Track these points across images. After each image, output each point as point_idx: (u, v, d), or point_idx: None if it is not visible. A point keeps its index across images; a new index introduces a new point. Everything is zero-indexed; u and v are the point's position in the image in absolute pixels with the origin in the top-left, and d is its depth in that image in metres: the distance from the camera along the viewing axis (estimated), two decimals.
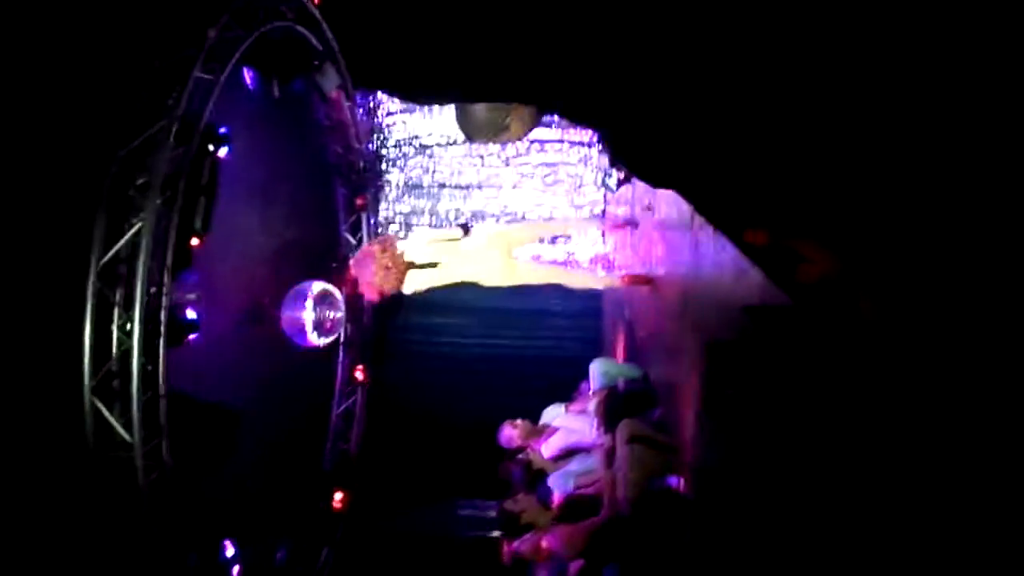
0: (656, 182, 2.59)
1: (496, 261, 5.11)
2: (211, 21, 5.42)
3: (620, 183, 7.46)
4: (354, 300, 8.25)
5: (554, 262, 8.34)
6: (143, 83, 5.03)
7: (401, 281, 4.85)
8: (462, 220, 7.60)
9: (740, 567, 2.61)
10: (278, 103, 6.57)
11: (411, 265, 4.88)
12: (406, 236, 6.63)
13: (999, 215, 1.57)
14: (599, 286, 7.02)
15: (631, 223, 6.18)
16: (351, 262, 5.25)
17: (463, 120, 2.44)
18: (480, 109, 2.46)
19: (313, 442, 8.11)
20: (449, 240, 5.14)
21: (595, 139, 8.02)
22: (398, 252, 4.82)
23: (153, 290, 4.88)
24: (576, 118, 2.38)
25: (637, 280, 5.58)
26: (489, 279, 5.18)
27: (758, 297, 2.46)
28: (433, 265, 4.95)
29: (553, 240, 8.42)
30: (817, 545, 2.00)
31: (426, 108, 8.42)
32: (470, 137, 2.48)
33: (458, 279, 5.13)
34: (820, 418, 1.99)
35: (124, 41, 4.95)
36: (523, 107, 2.42)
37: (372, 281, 4.80)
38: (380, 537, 8.39)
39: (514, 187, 8.44)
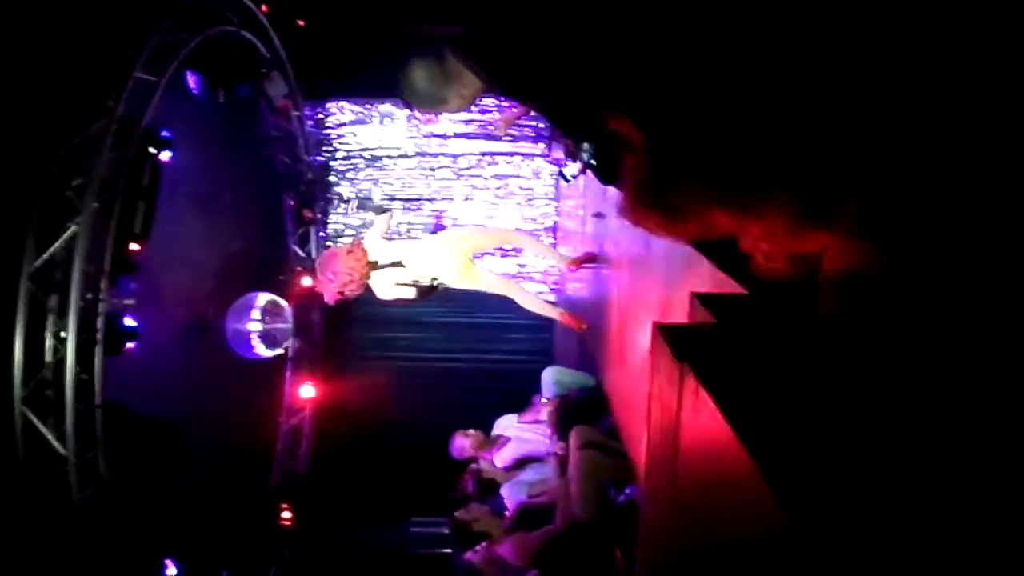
0: (606, 178, 2.55)
1: (456, 264, 5.08)
2: (154, 23, 5.30)
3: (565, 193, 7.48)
4: (303, 313, 8.12)
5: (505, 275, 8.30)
6: (82, 83, 4.88)
7: (363, 286, 4.79)
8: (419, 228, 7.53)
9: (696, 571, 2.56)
10: (225, 111, 6.45)
11: (374, 266, 4.83)
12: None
13: (966, 210, 1.55)
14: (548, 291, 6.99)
15: (592, 259, 6.00)
16: (317, 262, 5.20)
17: (404, 87, 2.39)
18: (421, 79, 2.39)
19: (260, 458, 7.90)
20: (410, 243, 5.24)
21: (545, 150, 8.01)
22: (364, 256, 4.76)
23: (89, 296, 4.70)
24: (520, 98, 2.33)
25: (579, 261, 5.74)
26: (449, 281, 5.16)
27: (709, 287, 2.42)
28: (396, 265, 4.91)
29: (504, 254, 8.36)
30: (771, 541, 1.95)
31: (376, 120, 8.34)
32: (409, 105, 2.43)
33: (418, 279, 5.10)
34: (774, 407, 1.95)
35: (64, 40, 4.81)
36: (463, 81, 2.36)
37: (333, 282, 4.70)
38: (330, 556, 8.20)
39: (465, 199, 8.39)
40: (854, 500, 1.20)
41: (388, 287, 4.90)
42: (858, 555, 1.04)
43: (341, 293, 4.74)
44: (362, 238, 4.87)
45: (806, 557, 1.07)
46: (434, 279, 5.10)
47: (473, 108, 7.45)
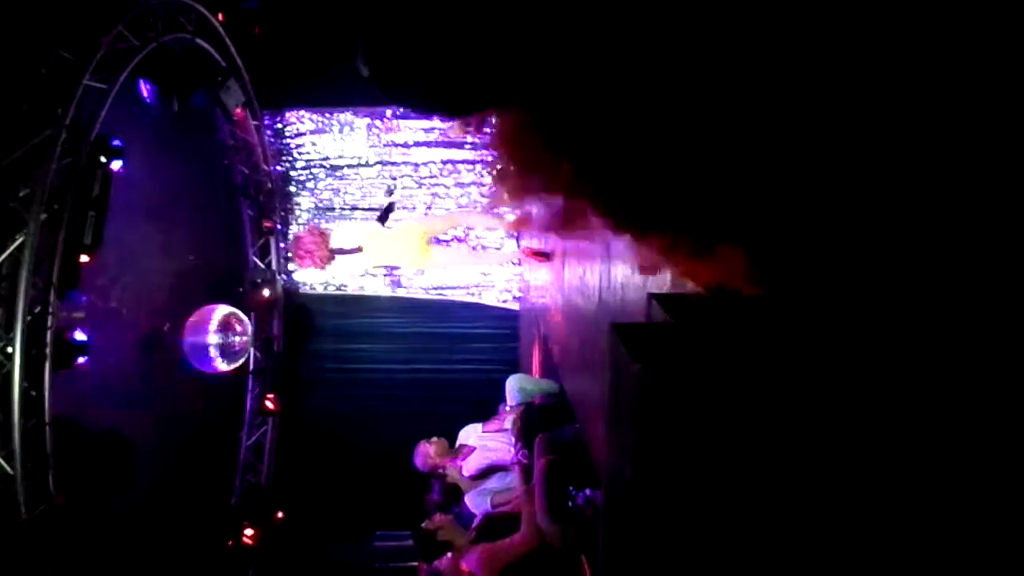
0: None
1: (413, 247, 5.67)
2: (105, 29, 5.19)
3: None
4: (263, 325, 7.99)
5: (467, 287, 8.32)
6: (29, 90, 4.75)
7: (323, 264, 5.62)
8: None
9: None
10: (180, 120, 6.32)
11: (339, 251, 5.56)
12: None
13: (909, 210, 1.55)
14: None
15: (545, 256, 6.19)
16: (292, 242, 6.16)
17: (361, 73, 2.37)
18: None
19: (220, 475, 7.73)
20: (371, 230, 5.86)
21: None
22: (327, 240, 5.57)
23: (37, 309, 4.56)
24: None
25: (537, 254, 5.89)
26: (407, 263, 6.14)
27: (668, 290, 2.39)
28: (358, 250, 5.61)
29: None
30: (736, 545, 1.92)
31: (336, 129, 8.26)
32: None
33: (379, 263, 6.26)
34: (735, 405, 1.92)
35: (10, 46, 4.67)
36: None
37: (311, 254, 5.52)
38: (295, 573, 8.05)
39: (428, 208, 8.32)
40: None
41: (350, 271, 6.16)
42: None
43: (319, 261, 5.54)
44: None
45: None
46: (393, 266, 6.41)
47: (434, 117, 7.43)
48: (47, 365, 4.60)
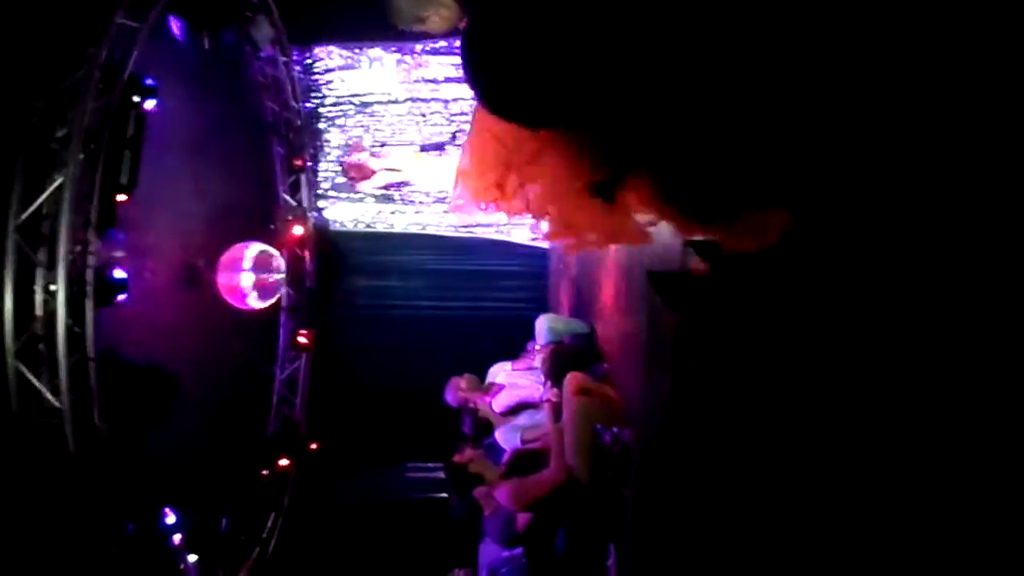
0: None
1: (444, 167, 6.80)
2: None
3: None
4: (296, 262, 8.08)
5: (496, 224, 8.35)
6: (62, 30, 4.75)
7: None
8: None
9: (690, 523, 2.57)
10: (209, 57, 6.30)
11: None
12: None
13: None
14: None
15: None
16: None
17: (388, 6, 2.40)
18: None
19: (256, 408, 7.94)
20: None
21: None
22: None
23: (78, 248, 4.65)
24: None
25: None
26: (434, 186, 7.26)
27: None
28: (397, 170, 6.84)
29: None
30: (769, 495, 1.96)
31: (365, 65, 8.18)
32: (393, 23, 2.47)
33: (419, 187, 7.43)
34: (772, 353, 1.94)
35: None
36: (443, 1, 2.35)
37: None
38: (328, 503, 8.30)
39: (458, 145, 8.26)
40: None
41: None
42: None
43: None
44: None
45: None
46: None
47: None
48: (88, 303, 4.71)
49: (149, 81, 5.14)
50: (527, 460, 4.81)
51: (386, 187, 7.56)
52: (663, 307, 1.96)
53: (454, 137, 7.70)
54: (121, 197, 4.91)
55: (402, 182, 7.25)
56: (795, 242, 1.83)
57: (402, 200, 8.41)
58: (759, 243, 1.81)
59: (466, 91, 8.01)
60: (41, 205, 4.57)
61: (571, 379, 4.53)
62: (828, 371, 1.87)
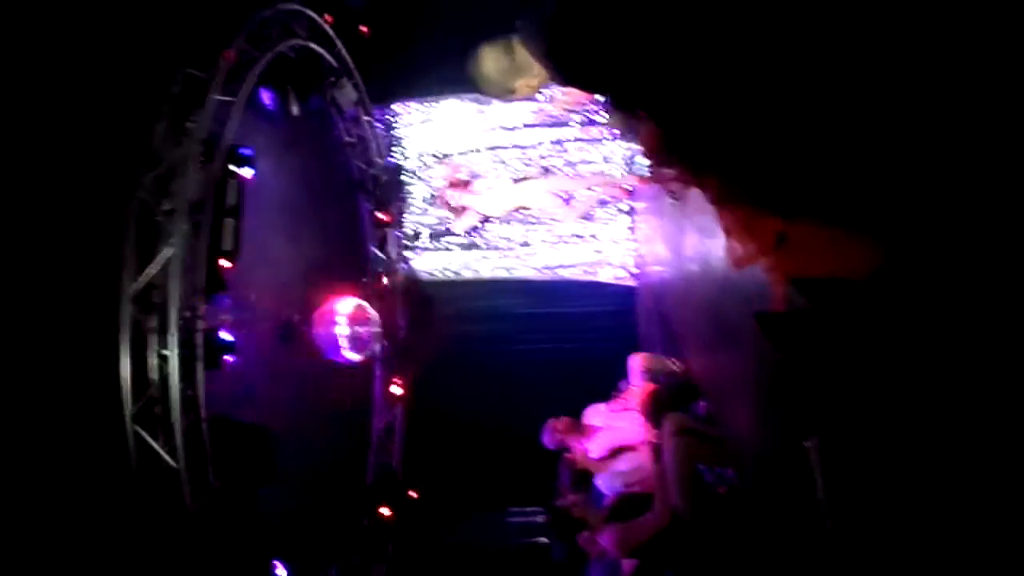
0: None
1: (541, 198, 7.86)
2: (226, 44, 5.45)
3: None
4: (387, 314, 8.26)
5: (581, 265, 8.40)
6: (163, 109, 5.05)
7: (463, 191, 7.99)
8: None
9: (805, 564, 2.51)
10: (298, 122, 6.57)
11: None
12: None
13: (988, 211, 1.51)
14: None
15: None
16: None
17: (474, 76, 2.46)
18: (490, 69, 2.45)
19: (356, 458, 8.08)
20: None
21: (613, 133, 7.93)
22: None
23: (187, 314, 4.87)
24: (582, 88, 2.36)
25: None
26: (534, 205, 7.99)
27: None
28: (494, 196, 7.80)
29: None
30: (890, 530, 1.91)
31: (445, 117, 8.39)
32: (480, 92, 2.53)
33: (506, 207, 8.00)
34: (889, 392, 1.90)
35: (142, 68, 4.97)
36: (532, 71, 2.40)
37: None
38: (432, 550, 8.34)
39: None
40: None
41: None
42: None
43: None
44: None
45: None
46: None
47: (539, 96, 7.47)
48: (199, 366, 4.92)
49: (246, 151, 5.39)
50: (630, 504, 4.77)
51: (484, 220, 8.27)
52: (773, 349, 1.95)
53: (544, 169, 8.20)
54: (225, 263, 5.13)
55: (521, 207, 8.02)
56: (895, 276, 1.80)
57: (487, 246, 8.56)
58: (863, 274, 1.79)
59: (543, 134, 8.21)
60: (151, 275, 4.81)
61: (670, 419, 4.48)
62: (941, 404, 1.82)
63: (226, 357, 5.18)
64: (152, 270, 4.80)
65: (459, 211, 8.08)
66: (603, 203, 8.26)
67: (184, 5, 5.28)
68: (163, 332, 4.80)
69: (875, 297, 1.92)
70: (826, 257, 2.01)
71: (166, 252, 4.77)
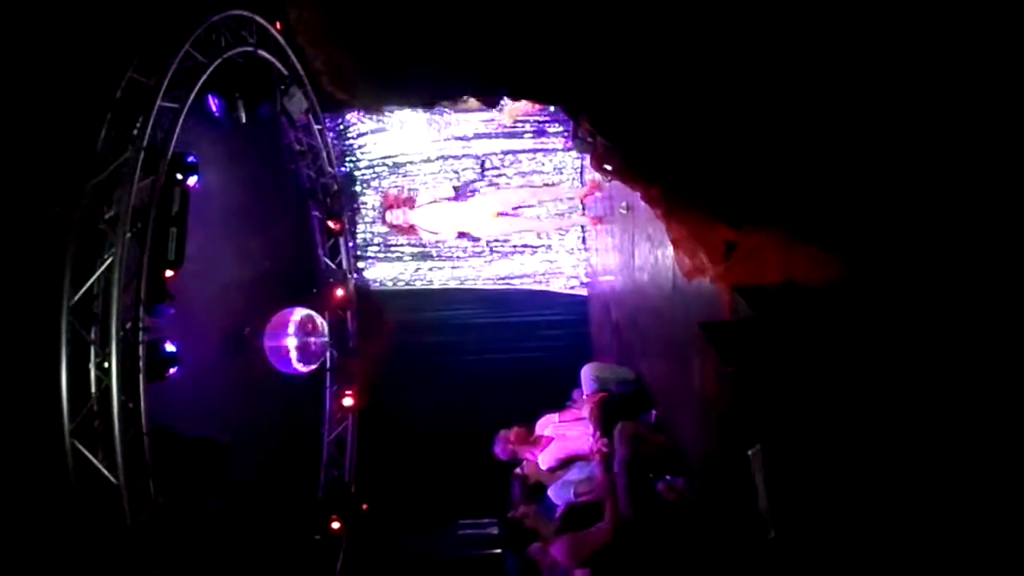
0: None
1: (484, 218, 7.63)
2: (172, 50, 5.34)
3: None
4: (338, 324, 8.17)
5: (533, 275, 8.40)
6: (106, 115, 4.93)
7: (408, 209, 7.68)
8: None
9: (748, 569, 2.52)
10: (247, 129, 6.47)
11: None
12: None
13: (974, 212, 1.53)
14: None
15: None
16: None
17: None
18: None
19: (306, 471, 7.96)
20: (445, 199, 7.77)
21: (567, 144, 7.97)
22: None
23: (129, 325, 4.75)
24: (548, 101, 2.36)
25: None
26: (477, 231, 7.80)
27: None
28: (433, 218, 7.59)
29: (534, 251, 8.39)
30: (833, 538, 1.92)
31: (397, 126, 8.34)
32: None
33: (454, 229, 7.70)
34: (831, 400, 1.91)
35: (84, 72, 4.85)
36: None
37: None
38: (384, 563, 8.25)
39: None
40: None
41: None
42: None
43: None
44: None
45: None
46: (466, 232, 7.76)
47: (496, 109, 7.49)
48: (141, 378, 4.79)
49: (191, 158, 5.29)
50: (581, 514, 4.75)
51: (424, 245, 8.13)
52: (718, 360, 1.95)
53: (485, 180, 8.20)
54: (169, 273, 5.02)
55: (467, 233, 7.82)
56: (847, 285, 1.82)
57: (439, 256, 8.53)
58: (815, 283, 1.81)
59: (496, 145, 8.21)
60: (92, 285, 4.68)
61: (621, 428, 4.49)
62: (887, 413, 1.84)
63: (170, 369, 5.06)
64: (92, 279, 4.66)
65: (406, 230, 7.83)
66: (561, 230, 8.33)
67: (130, 9, 5.17)
68: (104, 344, 4.67)
69: (820, 306, 1.94)
70: (775, 266, 2.02)
71: (107, 260, 4.65)
